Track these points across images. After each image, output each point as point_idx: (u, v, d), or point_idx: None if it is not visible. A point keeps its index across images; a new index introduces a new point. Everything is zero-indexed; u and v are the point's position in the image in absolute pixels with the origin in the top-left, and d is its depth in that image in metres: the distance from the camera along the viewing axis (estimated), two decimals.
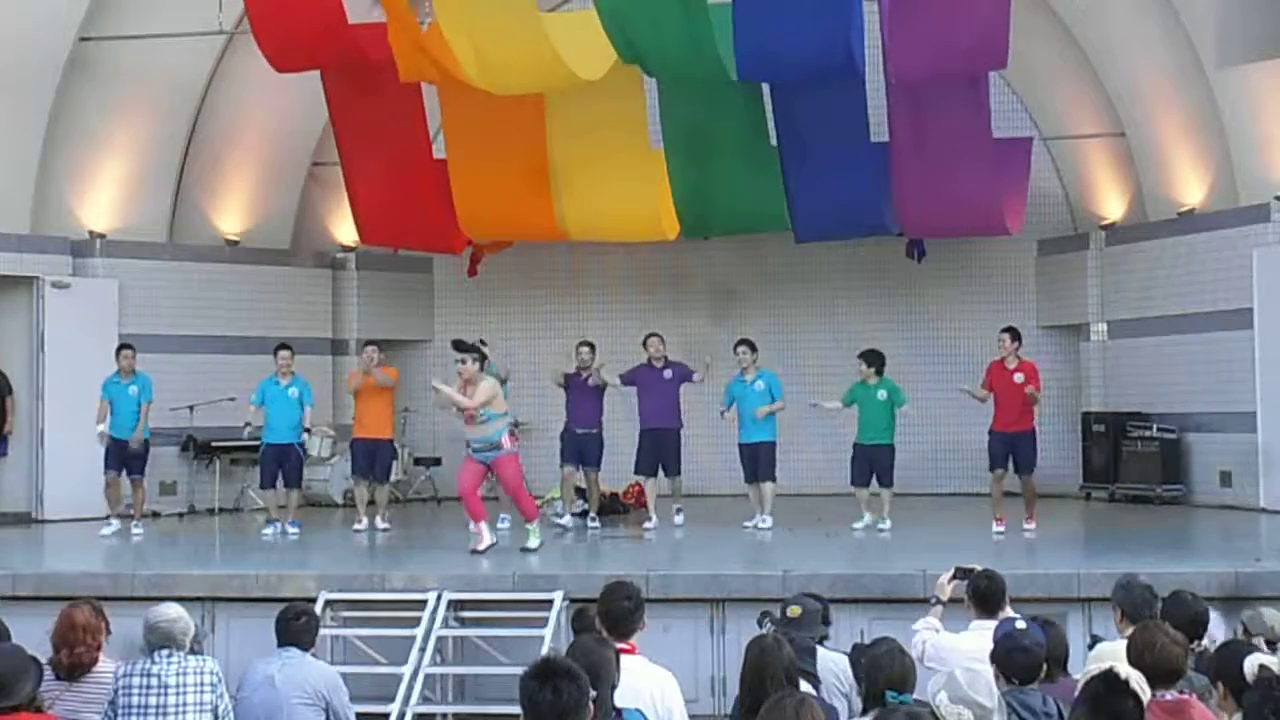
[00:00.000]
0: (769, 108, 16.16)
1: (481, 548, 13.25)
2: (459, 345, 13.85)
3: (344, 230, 20.20)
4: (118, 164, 17.98)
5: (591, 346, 15.96)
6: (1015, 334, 14.94)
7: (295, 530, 15.50)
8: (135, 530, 15.46)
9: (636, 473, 15.96)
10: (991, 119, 15.64)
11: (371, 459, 16.00)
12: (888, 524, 14.89)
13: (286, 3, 14.63)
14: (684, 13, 13.68)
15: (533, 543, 13.41)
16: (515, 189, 16.61)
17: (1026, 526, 14.57)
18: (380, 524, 15.89)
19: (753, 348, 15.54)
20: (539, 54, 13.92)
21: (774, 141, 16.38)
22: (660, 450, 15.64)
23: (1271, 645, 6.90)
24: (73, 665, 7.16)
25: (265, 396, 15.63)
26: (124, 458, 15.60)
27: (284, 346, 15.78)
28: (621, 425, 16.66)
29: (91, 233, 17.86)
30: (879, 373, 15.18)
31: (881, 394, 15.10)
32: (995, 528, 14.50)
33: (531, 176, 16.54)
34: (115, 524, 15.43)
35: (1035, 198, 18.13)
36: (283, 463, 15.65)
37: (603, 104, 15.69)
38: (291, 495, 15.81)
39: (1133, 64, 17.94)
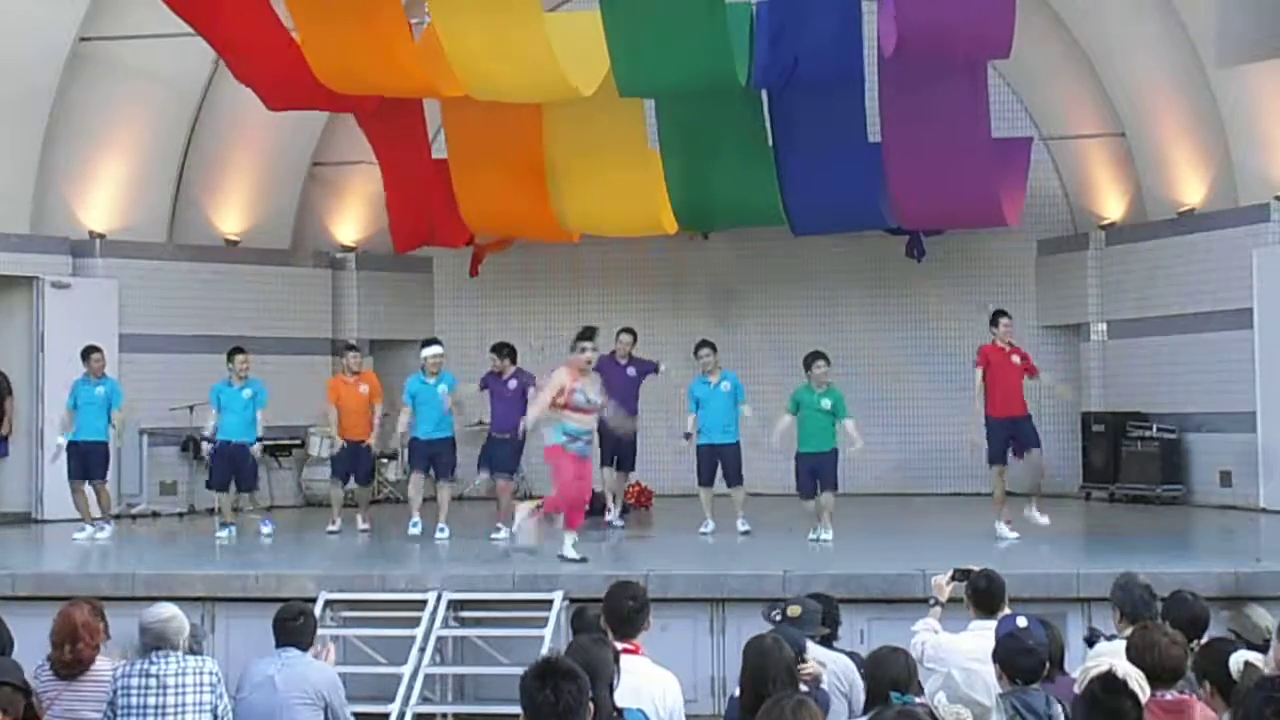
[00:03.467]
0: (765, 103, 16.16)
1: (577, 556, 12.50)
2: (588, 333, 12.92)
3: (344, 230, 20.22)
4: (118, 164, 17.98)
5: (502, 349, 15.53)
6: (1006, 314, 14.78)
7: (268, 530, 15.30)
8: (99, 534, 15.20)
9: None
10: (991, 118, 15.62)
11: (354, 460, 15.93)
12: (829, 534, 14.22)
13: (262, 61, 14.50)
14: (705, 22, 13.58)
15: (574, 553, 12.57)
16: (513, 190, 16.65)
17: (1039, 519, 14.21)
18: (361, 525, 15.77)
19: (714, 349, 15.29)
20: (538, 60, 13.89)
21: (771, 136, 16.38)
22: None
23: (1260, 646, 6.89)
24: (74, 662, 7.18)
25: (217, 402, 15.50)
26: (86, 463, 15.32)
27: (240, 350, 15.68)
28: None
29: (91, 233, 17.86)
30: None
31: (826, 403, 14.36)
32: (1004, 530, 14.06)
33: (528, 179, 16.56)
34: (89, 529, 15.22)
35: (1035, 198, 18.13)
36: (236, 464, 15.42)
37: (600, 107, 15.67)
38: (253, 497, 15.70)
39: (1133, 64, 17.94)
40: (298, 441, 18.63)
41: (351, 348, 16.59)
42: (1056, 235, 19.49)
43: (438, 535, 15.05)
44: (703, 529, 15.05)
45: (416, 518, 15.32)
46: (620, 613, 6.66)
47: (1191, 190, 17.63)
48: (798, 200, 16.50)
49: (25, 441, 17.24)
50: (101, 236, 17.90)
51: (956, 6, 13.84)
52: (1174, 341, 17.57)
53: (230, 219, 19.18)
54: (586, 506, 13.14)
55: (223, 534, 15.17)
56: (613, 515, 15.83)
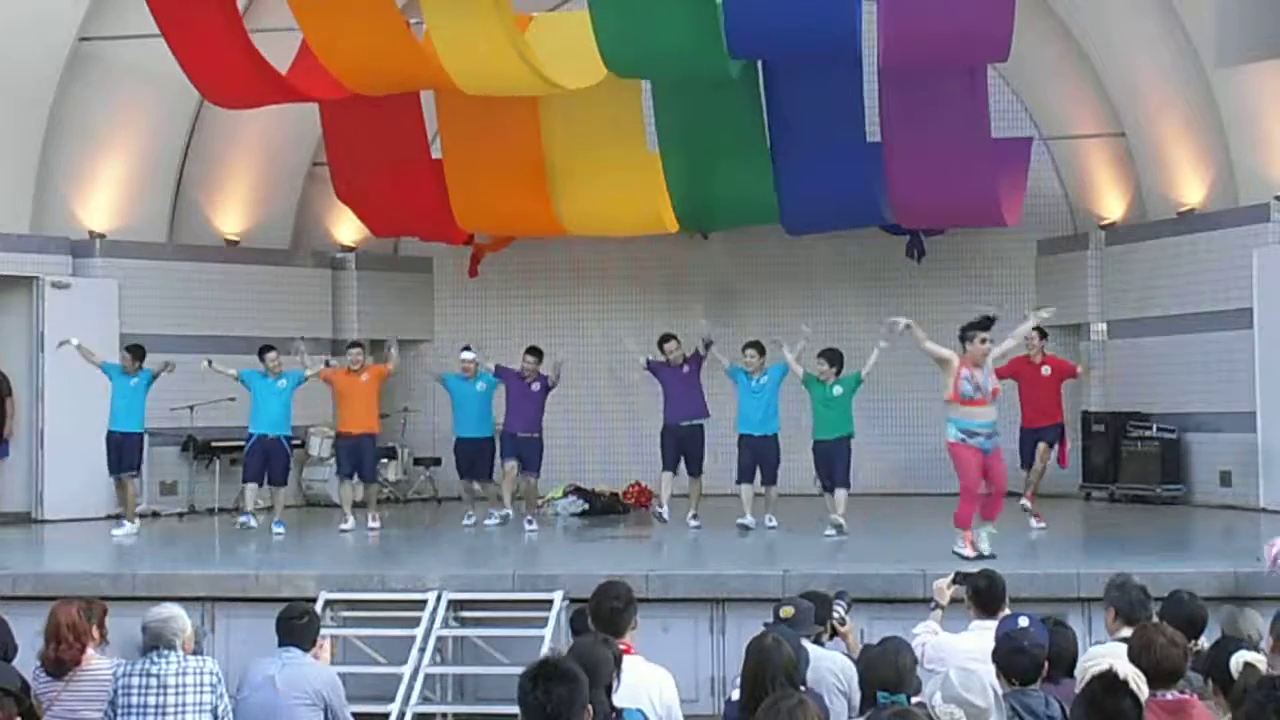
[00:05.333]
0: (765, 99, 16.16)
1: (975, 555, 11.82)
2: (986, 323, 12.57)
3: (344, 230, 20.21)
4: (118, 164, 17.98)
5: (539, 354, 15.96)
6: (1043, 331, 15.29)
7: (280, 531, 15.28)
8: (118, 530, 15.33)
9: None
10: (990, 117, 15.61)
11: (358, 456, 15.92)
12: (842, 525, 14.53)
13: (216, 61, 14.38)
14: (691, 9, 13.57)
15: (986, 547, 12.12)
16: (511, 187, 16.66)
17: (1025, 503, 14.88)
18: (371, 523, 15.80)
19: (761, 351, 15.39)
20: (524, 71, 13.91)
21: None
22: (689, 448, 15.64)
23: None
24: (57, 662, 7.24)
25: (251, 386, 15.68)
26: (121, 454, 15.53)
27: (271, 348, 15.84)
28: (617, 425, 16.67)
29: (91, 233, 17.86)
30: (838, 372, 14.92)
31: (838, 390, 14.85)
32: (1026, 503, 14.90)
33: (527, 176, 16.57)
34: (128, 525, 15.37)
35: (1035, 198, 18.12)
36: (270, 457, 15.60)
37: (599, 107, 15.70)
38: (279, 493, 15.70)
39: (1133, 64, 17.94)
40: (298, 442, 18.61)
41: (356, 344, 16.60)
42: (1056, 235, 19.49)
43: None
44: (741, 521, 15.11)
45: (475, 512, 15.92)
46: (603, 613, 6.68)
47: (1191, 190, 17.62)
48: (792, 199, 16.49)
49: (25, 441, 17.22)
50: (101, 236, 17.90)
51: (953, 12, 13.81)
52: (1174, 341, 17.55)
53: (230, 219, 19.18)
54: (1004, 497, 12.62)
55: (248, 521, 15.37)
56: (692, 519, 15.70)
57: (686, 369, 15.66)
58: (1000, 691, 6.05)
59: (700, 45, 13.72)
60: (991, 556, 11.89)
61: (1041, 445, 15.45)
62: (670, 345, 15.71)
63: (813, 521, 14.76)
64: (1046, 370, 15.34)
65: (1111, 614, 7.41)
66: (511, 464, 15.69)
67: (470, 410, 15.94)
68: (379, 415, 16.58)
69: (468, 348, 16.32)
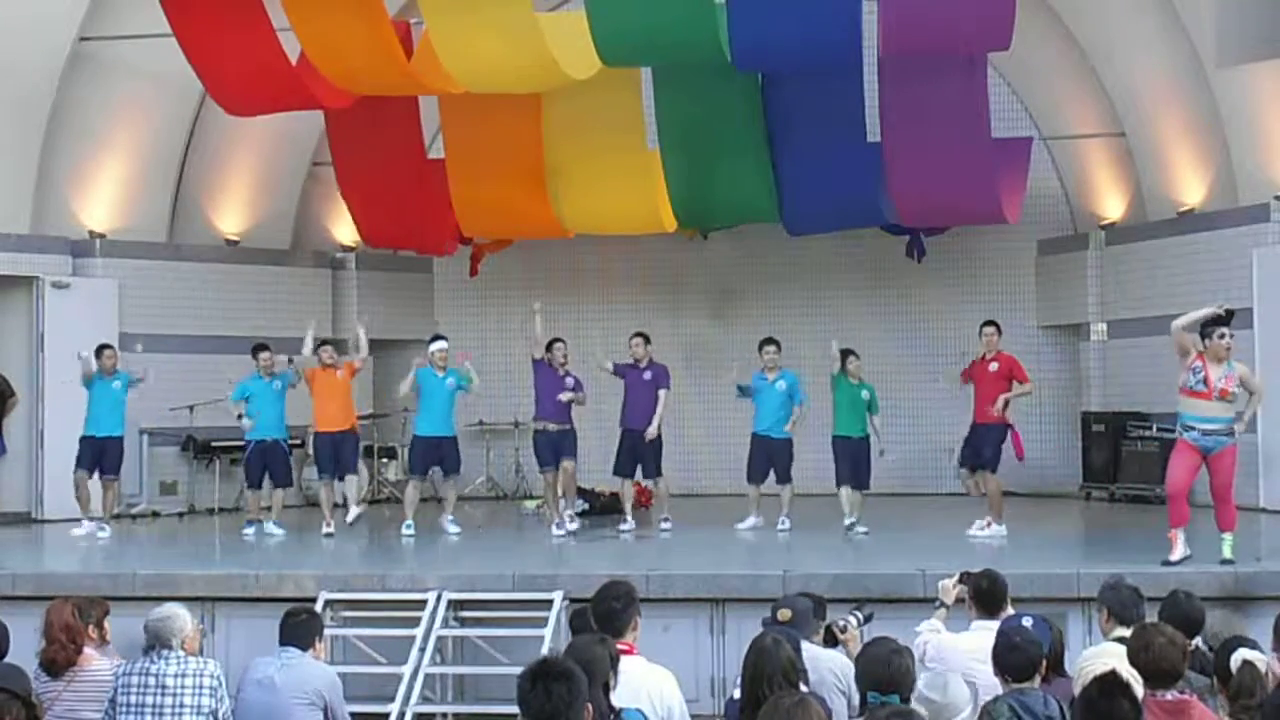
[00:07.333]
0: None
1: (1176, 558, 11.50)
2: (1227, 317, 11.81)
3: (344, 230, 20.21)
4: (118, 164, 17.98)
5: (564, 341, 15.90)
6: (998, 328, 14.93)
7: (279, 532, 15.33)
8: (101, 533, 15.29)
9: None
10: (990, 113, 15.60)
11: (336, 452, 15.76)
12: (858, 522, 14.74)
13: (233, 62, 14.38)
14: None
15: (1228, 553, 11.60)
16: (512, 188, 16.66)
17: (978, 530, 14.27)
18: (353, 511, 15.73)
19: (779, 347, 15.49)
20: (532, 54, 13.86)
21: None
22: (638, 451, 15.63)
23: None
24: (50, 661, 7.27)
25: (248, 394, 15.64)
26: (100, 457, 15.49)
27: (264, 347, 15.80)
28: (617, 425, 16.62)
29: (91, 233, 17.86)
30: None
31: (865, 394, 15.07)
32: (978, 525, 14.41)
33: (528, 178, 16.56)
34: (87, 525, 15.35)
35: (1035, 198, 18.12)
36: (269, 460, 15.60)
37: (599, 104, 15.69)
38: (277, 494, 15.69)
39: (1133, 64, 17.94)
40: (298, 441, 18.62)
41: (326, 343, 16.36)
42: (1056, 235, 19.49)
43: (450, 530, 15.14)
44: (743, 525, 15.18)
45: (411, 520, 15.25)
46: (603, 613, 6.69)
47: (1191, 190, 17.63)
48: (793, 199, 16.50)
49: (25, 441, 17.21)
50: (101, 236, 17.90)
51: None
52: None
53: (230, 219, 19.18)
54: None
55: (248, 531, 15.28)
56: (626, 523, 15.68)
57: (649, 374, 15.58)
58: (981, 689, 6.05)
59: (693, 25, 13.65)
60: (1230, 562, 11.53)
61: (981, 475, 14.62)
62: (635, 341, 15.66)
63: (816, 521, 14.76)
64: (994, 367, 14.66)
65: (1104, 614, 7.44)
66: (569, 463, 15.47)
67: (435, 406, 15.44)
68: (355, 413, 16.39)
69: (440, 337, 15.96)
